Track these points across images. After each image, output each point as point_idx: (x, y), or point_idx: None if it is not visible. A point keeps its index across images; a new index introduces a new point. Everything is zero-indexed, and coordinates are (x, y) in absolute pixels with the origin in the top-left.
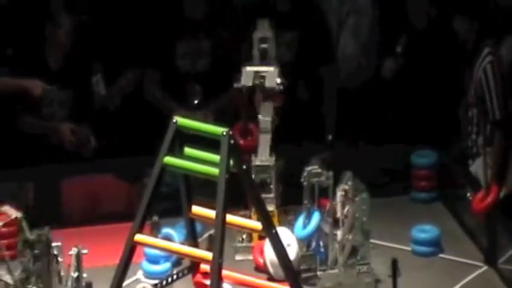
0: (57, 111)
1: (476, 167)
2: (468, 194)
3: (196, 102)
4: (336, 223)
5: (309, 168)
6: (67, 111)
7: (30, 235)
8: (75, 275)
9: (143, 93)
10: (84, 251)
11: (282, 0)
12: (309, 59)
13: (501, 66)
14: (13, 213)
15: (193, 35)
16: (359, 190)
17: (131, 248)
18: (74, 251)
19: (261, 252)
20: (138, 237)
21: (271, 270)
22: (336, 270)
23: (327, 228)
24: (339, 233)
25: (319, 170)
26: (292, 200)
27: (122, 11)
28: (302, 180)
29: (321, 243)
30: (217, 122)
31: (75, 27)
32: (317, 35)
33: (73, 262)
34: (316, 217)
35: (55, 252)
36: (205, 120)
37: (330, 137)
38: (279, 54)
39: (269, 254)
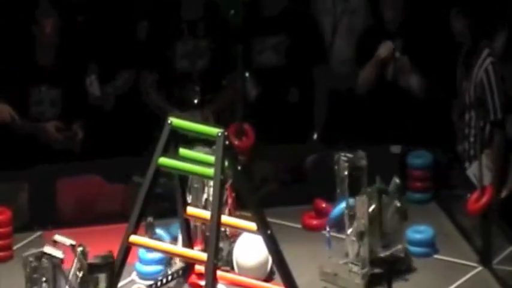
0: (47, 110)
1: (474, 170)
2: (469, 195)
3: (195, 102)
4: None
5: (341, 155)
6: (58, 111)
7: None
8: (81, 274)
9: (140, 94)
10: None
11: (273, 3)
12: (301, 61)
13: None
14: (66, 241)
15: (191, 35)
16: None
17: (126, 249)
18: (78, 250)
19: None
20: (133, 238)
21: (236, 269)
22: (341, 262)
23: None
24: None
25: (351, 156)
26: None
27: (118, 11)
28: (336, 168)
29: (330, 233)
30: (217, 122)
31: (63, 27)
32: (308, 37)
33: (78, 261)
34: (342, 203)
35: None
36: (201, 121)
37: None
38: (269, 57)
39: (236, 253)
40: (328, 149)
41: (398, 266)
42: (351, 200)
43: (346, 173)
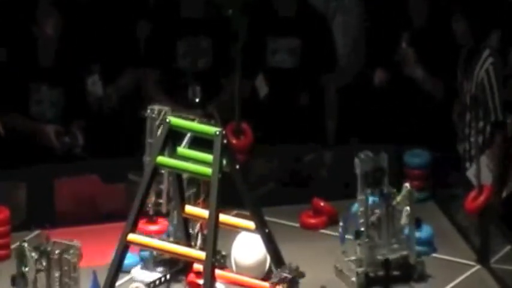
0: (47, 110)
1: (474, 171)
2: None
3: (197, 100)
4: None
5: (362, 156)
6: (58, 111)
7: None
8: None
9: (140, 94)
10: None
11: (284, 6)
12: (311, 63)
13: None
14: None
15: (192, 33)
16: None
17: (124, 248)
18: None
19: None
20: (131, 236)
21: (234, 268)
22: (346, 259)
23: None
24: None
25: (371, 155)
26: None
27: (119, 10)
28: (356, 168)
29: (341, 230)
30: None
31: (64, 26)
32: (320, 41)
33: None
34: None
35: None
36: (200, 120)
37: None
38: (281, 59)
39: (234, 252)
40: (328, 148)
41: (408, 273)
42: (370, 199)
43: (362, 171)
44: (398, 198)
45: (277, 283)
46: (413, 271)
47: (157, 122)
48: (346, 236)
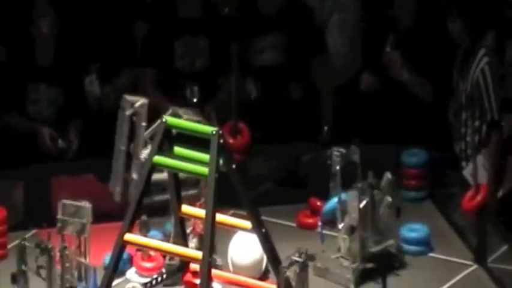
0: (44, 109)
1: (470, 170)
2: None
3: (195, 100)
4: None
5: (333, 149)
6: (55, 110)
7: None
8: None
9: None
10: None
11: (269, 2)
12: (299, 58)
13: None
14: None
15: (190, 33)
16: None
17: (121, 248)
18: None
19: None
20: (128, 236)
21: (231, 267)
22: (334, 256)
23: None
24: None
25: (344, 151)
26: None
27: (116, 10)
28: (329, 162)
29: (320, 229)
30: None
31: (61, 26)
32: (305, 34)
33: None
34: (335, 198)
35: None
36: (197, 119)
37: (325, 128)
38: (268, 57)
39: (232, 251)
40: (325, 147)
41: (391, 262)
42: (343, 195)
43: (338, 167)
44: (380, 187)
45: (288, 267)
46: (394, 260)
47: (127, 112)
48: (323, 232)
